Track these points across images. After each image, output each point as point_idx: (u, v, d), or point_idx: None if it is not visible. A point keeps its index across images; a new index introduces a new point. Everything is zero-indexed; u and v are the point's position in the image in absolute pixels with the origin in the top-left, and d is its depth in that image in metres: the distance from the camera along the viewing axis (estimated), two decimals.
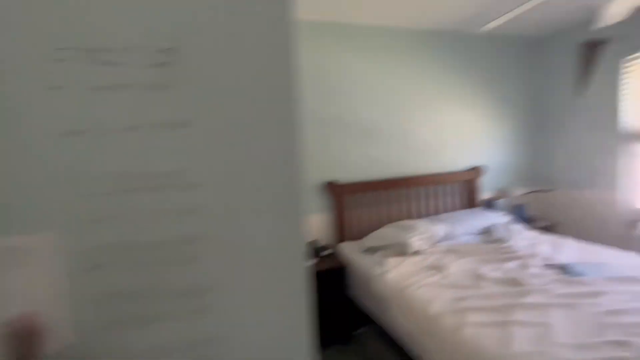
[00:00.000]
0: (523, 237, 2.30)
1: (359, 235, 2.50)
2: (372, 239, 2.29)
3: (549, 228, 2.95)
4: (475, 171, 2.93)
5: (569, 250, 2.07)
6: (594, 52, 2.71)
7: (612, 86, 2.63)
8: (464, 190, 2.96)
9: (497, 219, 2.58)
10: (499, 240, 2.25)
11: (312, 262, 2.22)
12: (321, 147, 2.48)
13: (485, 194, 3.04)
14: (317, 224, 2.49)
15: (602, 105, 2.72)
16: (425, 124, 2.82)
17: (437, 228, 2.32)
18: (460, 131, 2.95)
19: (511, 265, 1.88)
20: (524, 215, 2.94)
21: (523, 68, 3.19)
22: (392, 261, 1.99)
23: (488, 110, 3.05)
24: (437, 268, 1.89)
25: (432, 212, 2.81)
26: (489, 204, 2.97)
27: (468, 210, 2.76)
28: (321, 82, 2.45)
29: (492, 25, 1.78)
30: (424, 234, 2.21)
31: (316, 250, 2.33)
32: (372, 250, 2.23)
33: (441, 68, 2.83)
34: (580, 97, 2.87)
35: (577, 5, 2.41)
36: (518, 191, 3.08)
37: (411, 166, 2.78)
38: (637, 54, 2.47)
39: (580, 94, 2.87)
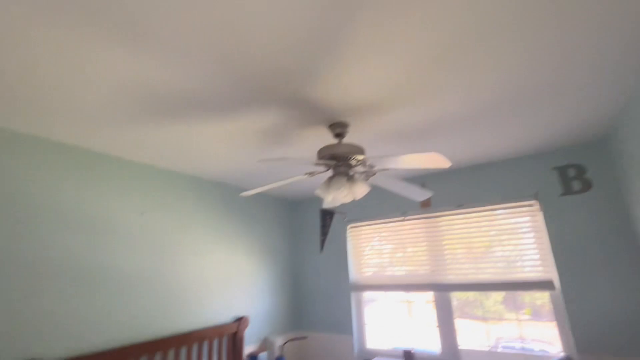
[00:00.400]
0: None
1: None
2: None
3: None
4: (240, 322, 2.84)
5: None
6: (329, 218, 3.59)
7: (342, 246, 3.46)
8: (229, 344, 2.73)
9: None
10: None
11: None
12: (28, 306, 1.74)
13: (250, 346, 2.92)
14: None
15: (337, 261, 3.48)
16: (187, 273, 2.61)
17: None
18: (225, 281, 2.90)
19: None
20: None
21: (285, 224, 3.79)
22: None
23: (254, 259, 3.26)
24: None
25: None
26: (253, 359, 2.83)
27: None
28: (39, 214, 1.92)
29: (249, 193, 2.02)
30: None
31: None
32: None
33: (209, 216, 2.91)
34: (321, 253, 3.59)
35: (313, 189, 3.27)
36: (279, 340, 3.16)
37: (169, 324, 2.36)
38: (353, 224, 3.45)
39: (321, 250, 3.60)
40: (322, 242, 3.60)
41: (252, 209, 3.34)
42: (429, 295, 2.95)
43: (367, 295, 3.31)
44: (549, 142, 2.41)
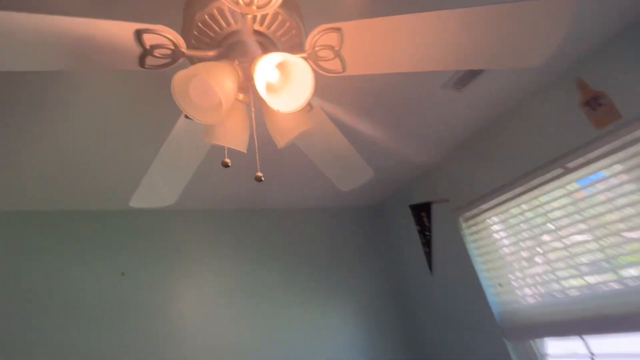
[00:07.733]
0: None
1: None
2: None
3: None
4: None
5: None
6: (424, 215, 2.20)
7: (463, 256, 1.95)
8: None
9: None
10: None
11: None
12: None
13: None
14: None
15: (460, 284, 1.96)
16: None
17: None
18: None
19: None
20: None
21: (369, 242, 2.52)
22: None
23: (328, 304, 2.14)
24: None
25: None
26: None
27: None
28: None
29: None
30: None
31: None
32: None
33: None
34: (432, 275, 2.15)
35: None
36: None
37: None
38: (470, 210, 1.90)
39: (430, 270, 2.17)
40: (428, 257, 2.19)
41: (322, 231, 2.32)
42: None
43: (542, 343, 1.62)
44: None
